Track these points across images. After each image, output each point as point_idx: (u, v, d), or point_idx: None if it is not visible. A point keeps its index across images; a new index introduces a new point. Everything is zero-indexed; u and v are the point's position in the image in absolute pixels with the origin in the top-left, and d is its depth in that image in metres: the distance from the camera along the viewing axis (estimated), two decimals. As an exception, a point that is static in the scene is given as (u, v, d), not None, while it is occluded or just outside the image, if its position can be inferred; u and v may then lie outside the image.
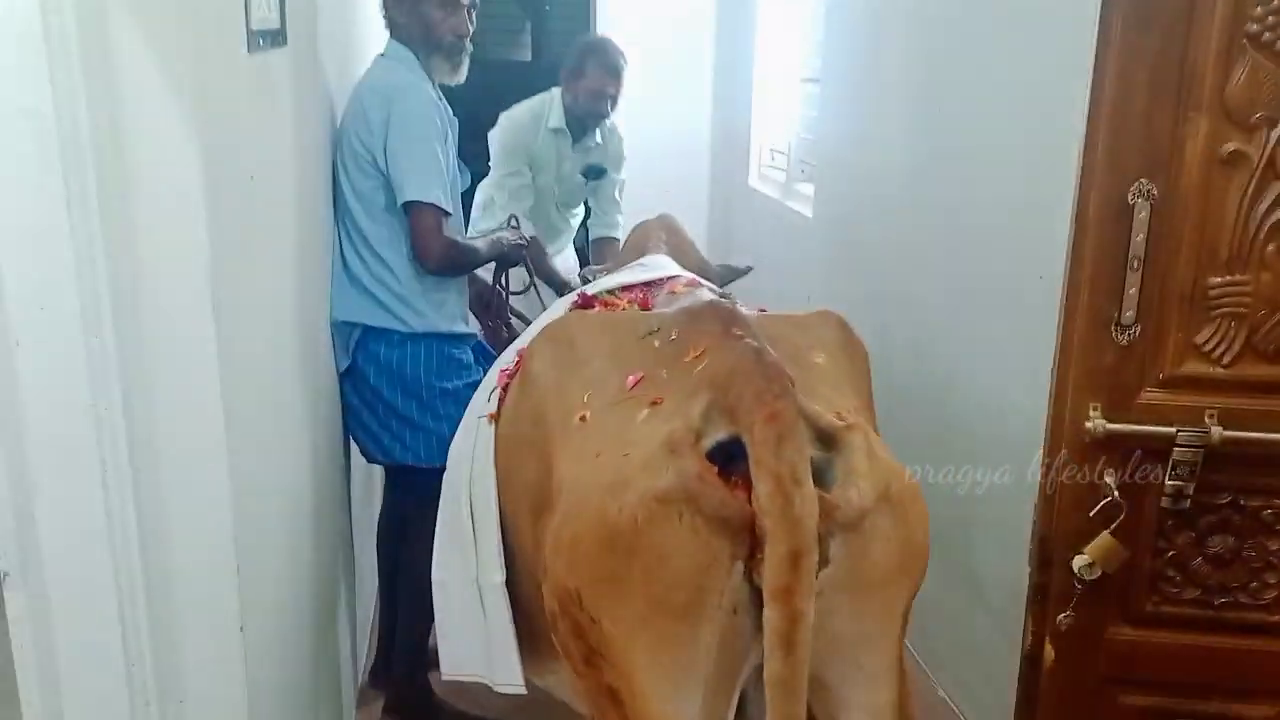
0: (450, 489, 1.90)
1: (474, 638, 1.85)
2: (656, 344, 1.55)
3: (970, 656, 2.69)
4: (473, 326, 2.64)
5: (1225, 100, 1.50)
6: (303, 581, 1.98)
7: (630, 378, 1.48)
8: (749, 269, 2.90)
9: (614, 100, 3.48)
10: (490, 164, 3.59)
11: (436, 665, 2.75)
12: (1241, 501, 1.65)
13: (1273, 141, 1.50)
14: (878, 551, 1.33)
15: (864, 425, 1.40)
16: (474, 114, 3.87)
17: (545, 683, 1.86)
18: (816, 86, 3.98)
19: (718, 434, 1.33)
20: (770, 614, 1.24)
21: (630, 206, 3.69)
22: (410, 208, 2.32)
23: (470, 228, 3.68)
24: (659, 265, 2.21)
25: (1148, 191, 1.52)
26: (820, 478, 1.31)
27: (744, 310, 1.67)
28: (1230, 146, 1.51)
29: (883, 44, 3.24)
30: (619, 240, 3.55)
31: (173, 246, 1.32)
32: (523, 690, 1.83)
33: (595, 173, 3.68)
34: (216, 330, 1.36)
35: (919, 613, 2.86)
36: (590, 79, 3.42)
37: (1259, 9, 1.46)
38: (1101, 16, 1.51)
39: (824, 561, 1.28)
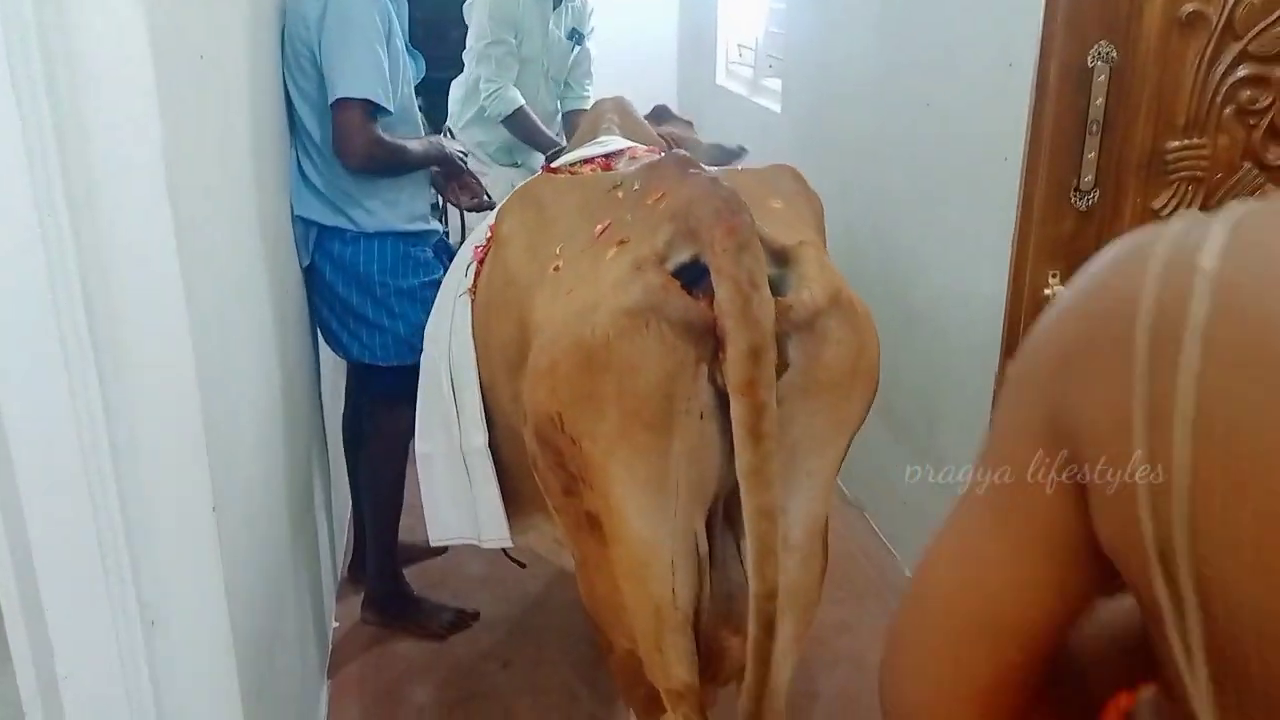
0: (429, 364, 1.95)
1: (461, 502, 1.92)
2: (621, 195, 1.61)
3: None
4: (434, 224, 2.60)
5: (1185, -40, 1.49)
6: (276, 470, 1.99)
7: (598, 226, 1.53)
8: (742, 150, 2.88)
9: None
10: (469, 41, 3.52)
11: (410, 559, 2.84)
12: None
13: (1231, 2, 1.50)
14: (830, 353, 1.42)
15: (815, 243, 1.49)
16: (438, 11, 3.80)
17: (526, 539, 1.96)
18: (783, -22, 3.91)
19: (682, 256, 1.41)
20: (736, 408, 1.32)
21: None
22: (337, 104, 2.26)
23: (449, 120, 3.64)
24: (614, 143, 2.21)
25: (1107, 54, 1.52)
26: (776, 289, 1.40)
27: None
28: (1189, 8, 1.51)
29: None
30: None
31: (128, 145, 1.30)
32: (509, 543, 1.93)
33: (577, 37, 3.64)
34: (174, 214, 1.34)
35: (888, 500, 2.92)
36: None
37: None
38: (1062, -124, 1.50)
39: (784, 364, 1.37)
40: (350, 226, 2.39)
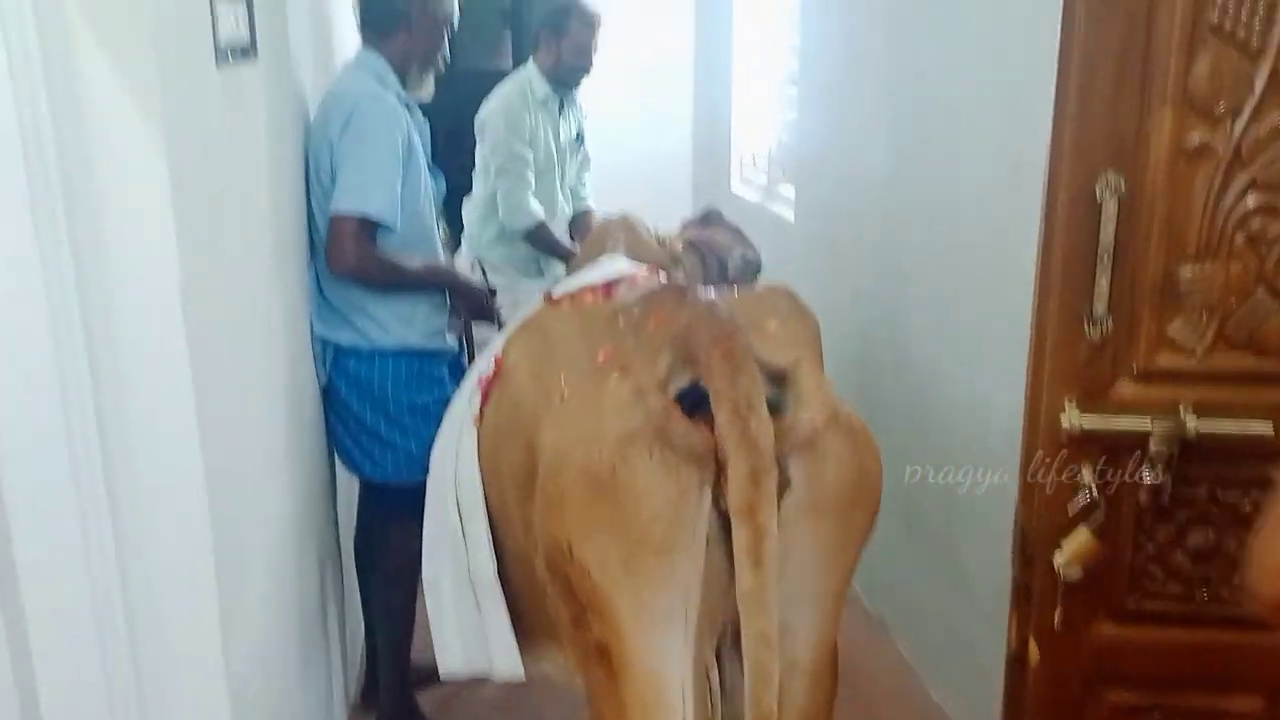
0: (435, 491, 1.95)
1: (470, 632, 1.91)
2: (622, 323, 1.65)
3: (960, 657, 2.69)
4: (452, 341, 2.61)
5: (1189, 91, 1.50)
6: (287, 594, 1.97)
7: (601, 353, 1.57)
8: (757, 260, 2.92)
9: (594, 53, 3.57)
10: (480, 159, 3.59)
11: (423, 682, 2.79)
12: (1219, 494, 1.64)
13: (1238, 132, 1.50)
14: (832, 471, 1.45)
15: (812, 362, 1.53)
16: (456, 124, 3.89)
17: (541, 668, 1.93)
18: (795, 89, 3.99)
19: (681, 381, 1.45)
20: (737, 531, 1.34)
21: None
22: (334, 217, 2.29)
23: (466, 244, 3.70)
24: (616, 268, 2.25)
25: (1115, 184, 1.52)
26: (775, 410, 1.43)
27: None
28: (1196, 138, 1.51)
29: (858, 46, 3.26)
30: (594, 211, 3.71)
31: (142, 263, 1.32)
32: (522, 676, 1.90)
33: (581, 138, 3.76)
34: (189, 347, 1.36)
35: (911, 616, 2.87)
36: (574, 34, 3.50)
37: (1220, -2, 1.47)
38: (1064, 8, 1.52)
39: (785, 484, 1.40)
40: (366, 344, 2.40)
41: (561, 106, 3.66)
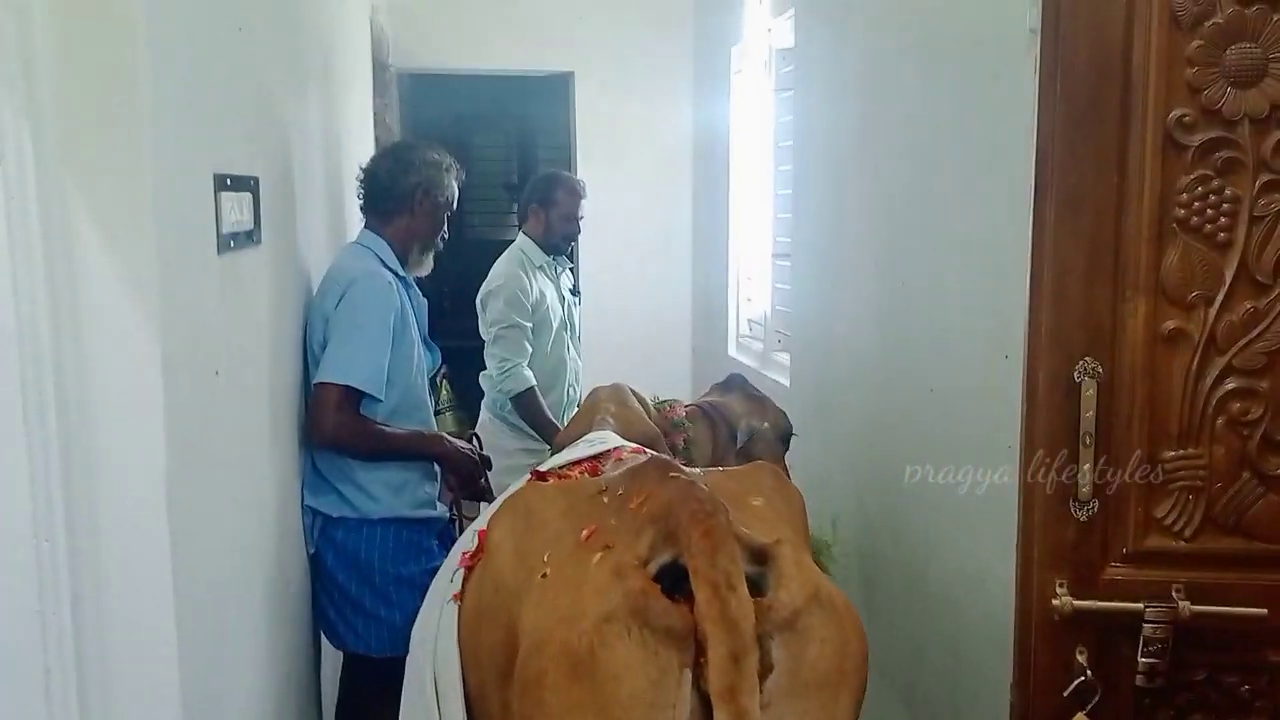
0: (414, 669, 1.91)
1: None
2: (606, 500, 1.64)
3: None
4: (442, 510, 2.61)
5: (1161, 281, 1.54)
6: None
7: (584, 532, 1.56)
8: (763, 427, 2.93)
9: (581, 220, 3.82)
10: (486, 334, 3.70)
11: None
12: (1217, 678, 1.61)
13: (1211, 319, 1.54)
14: (815, 651, 1.41)
15: (793, 541, 1.51)
16: (464, 291, 4.01)
17: None
18: (788, 262, 4.09)
19: (662, 558, 1.43)
20: (718, 714, 1.30)
21: (614, 379, 3.77)
22: (316, 387, 2.33)
23: (486, 410, 3.75)
24: (604, 440, 2.26)
25: (1093, 369, 1.55)
26: (755, 589, 1.41)
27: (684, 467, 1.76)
28: (1170, 325, 1.55)
29: (846, 223, 3.36)
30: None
31: (129, 444, 1.33)
32: None
33: (576, 292, 3.97)
34: (170, 531, 1.36)
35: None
36: (562, 204, 3.75)
37: (1184, 195, 1.52)
38: (1035, 202, 1.57)
39: (768, 667, 1.37)
40: (353, 513, 2.40)
41: (558, 268, 3.86)
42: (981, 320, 2.45)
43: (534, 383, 3.56)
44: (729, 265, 5.05)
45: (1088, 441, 1.55)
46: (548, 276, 3.75)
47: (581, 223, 3.83)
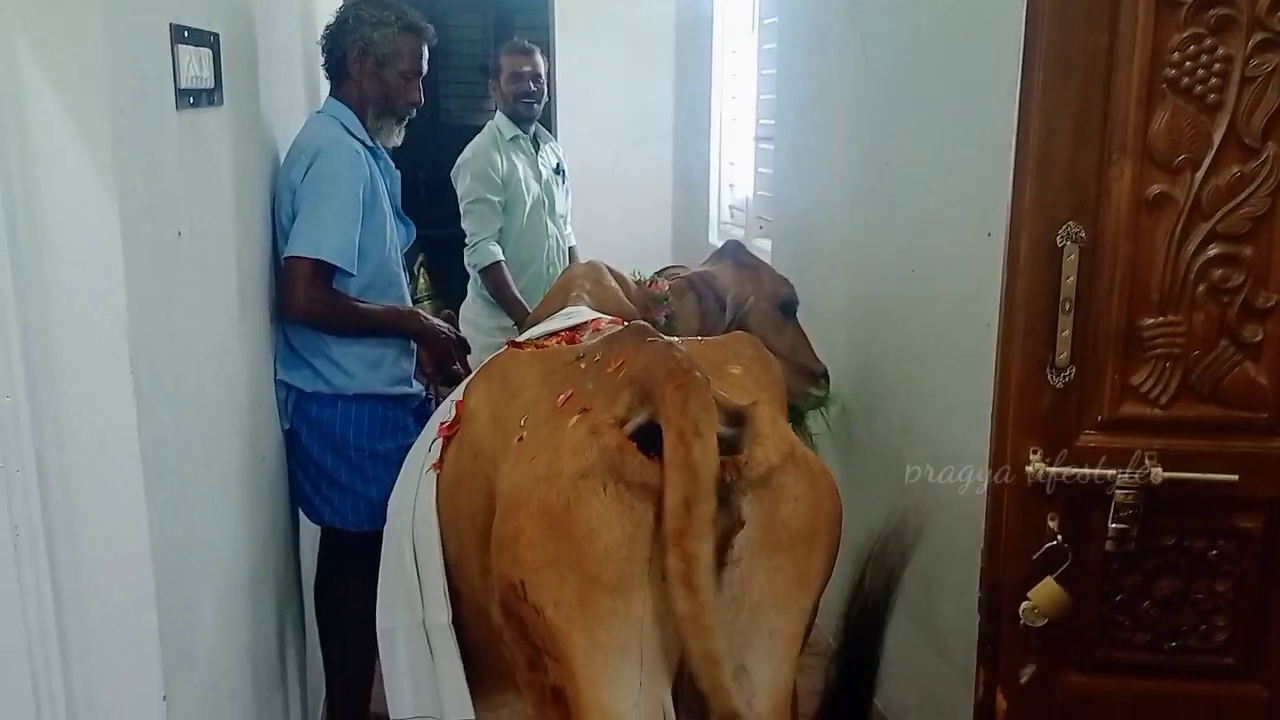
0: (392, 539, 1.92)
1: (423, 680, 1.86)
2: (583, 366, 1.64)
3: (934, 710, 2.64)
4: (419, 387, 2.59)
5: (1148, 144, 1.51)
6: (239, 649, 1.92)
7: (561, 396, 1.56)
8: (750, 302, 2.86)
9: (534, 78, 3.68)
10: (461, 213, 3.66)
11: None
12: (1186, 543, 1.63)
13: (1197, 184, 1.51)
14: (788, 510, 1.43)
15: (769, 404, 1.52)
16: (440, 176, 3.94)
17: (498, 716, 1.88)
18: (771, 145, 4.02)
19: (639, 418, 1.44)
20: (668, 558, 1.33)
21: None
22: (287, 260, 2.29)
23: (472, 289, 3.72)
24: (580, 314, 2.24)
25: (1076, 234, 1.52)
26: (732, 450, 1.42)
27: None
28: (1156, 189, 1.52)
29: (829, 105, 3.28)
30: (575, 247, 3.88)
31: (89, 301, 1.29)
32: None
33: (563, 172, 3.89)
34: (135, 388, 1.33)
35: (883, 667, 2.83)
36: (506, 65, 3.68)
37: (1176, 54, 1.48)
38: (1024, 64, 1.53)
39: (740, 523, 1.39)
40: (328, 389, 2.38)
41: (537, 145, 3.78)
42: (964, 198, 2.42)
43: (499, 258, 3.54)
44: (710, 148, 4.96)
45: (1067, 308, 1.54)
46: (521, 153, 3.68)
47: (539, 84, 3.71)
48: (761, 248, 4.26)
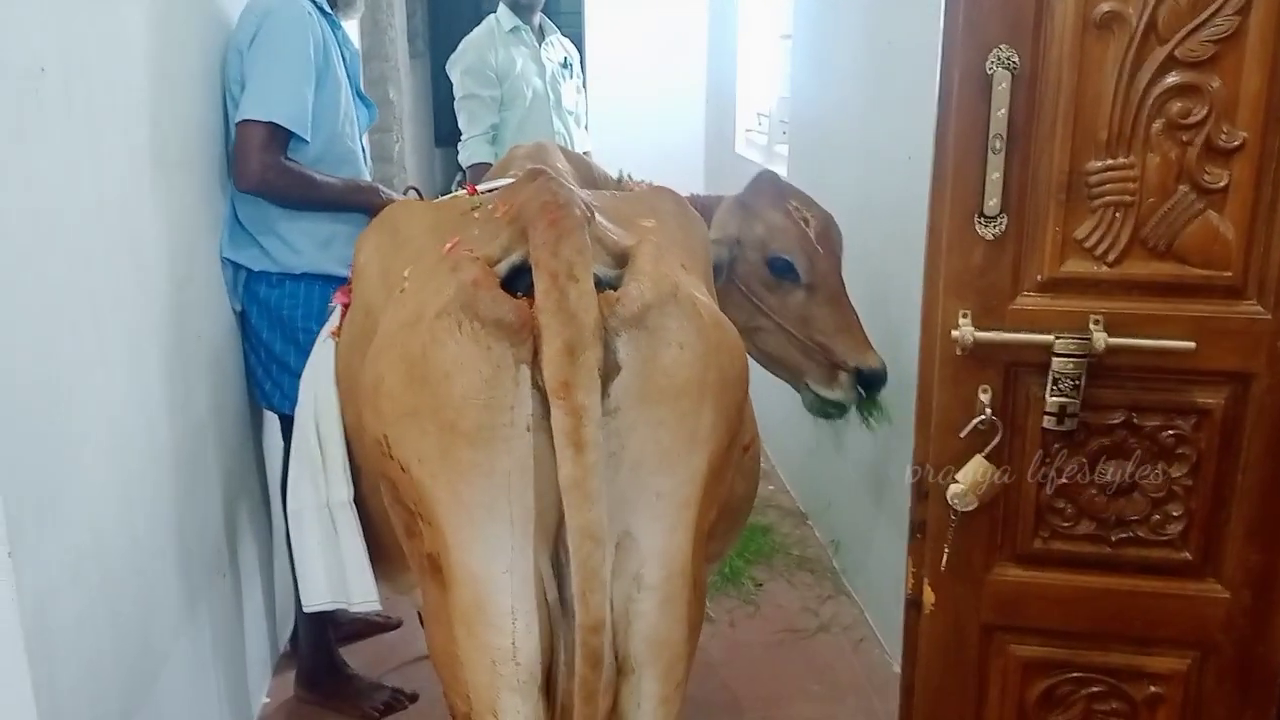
0: (301, 416, 1.82)
1: (330, 562, 1.78)
2: (476, 215, 1.52)
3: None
4: None
5: (1098, -47, 1.31)
6: (163, 526, 1.87)
7: (447, 245, 1.43)
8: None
9: None
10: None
11: (356, 634, 2.70)
12: (1136, 421, 1.45)
13: (1153, 1, 1.31)
14: (670, 356, 1.29)
15: (655, 241, 1.38)
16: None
17: (413, 596, 1.79)
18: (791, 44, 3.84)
19: (513, 257, 1.32)
20: (554, 413, 1.22)
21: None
22: (240, 125, 2.17)
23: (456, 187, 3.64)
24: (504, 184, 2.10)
25: (1008, 60, 1.33)
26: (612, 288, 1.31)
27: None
28: (1104, 7, 1.32)
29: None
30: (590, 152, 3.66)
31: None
32: (378, 605, 1.79)
33: (570, 67, 3.73)
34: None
35: (853, 546, 2.69)
36: None
37: None
38: None
39: (614, 367, 1.26)
40: (275, 267, 2.28)
41: (542, 36, 3.64)
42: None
43: (483, 159, 3.42)
44: (737, 57, 4.77)
45: (997, 146, 1.35)
46: (523, 44, 3.54)
47: None
48: (780, 153, 4.07)
